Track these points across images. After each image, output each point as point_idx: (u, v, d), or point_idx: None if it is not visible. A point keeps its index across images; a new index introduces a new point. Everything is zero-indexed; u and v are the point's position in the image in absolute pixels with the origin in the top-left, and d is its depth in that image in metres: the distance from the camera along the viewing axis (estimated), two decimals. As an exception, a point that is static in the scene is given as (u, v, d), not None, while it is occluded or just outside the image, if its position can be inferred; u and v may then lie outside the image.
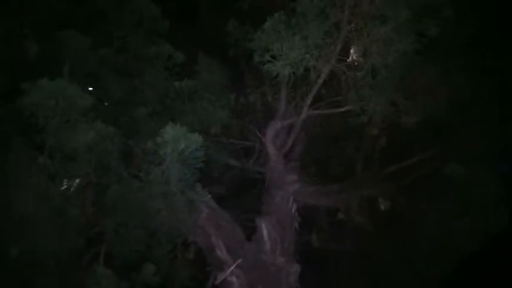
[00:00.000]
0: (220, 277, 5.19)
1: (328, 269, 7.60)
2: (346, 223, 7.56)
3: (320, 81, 5.48)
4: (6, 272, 4.45)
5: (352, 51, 5.20)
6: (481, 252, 6.30)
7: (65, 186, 4.69)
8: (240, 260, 5.27)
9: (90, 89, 5.24)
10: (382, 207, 7.43)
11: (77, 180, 4.74)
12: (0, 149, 4.57)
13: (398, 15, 4.59)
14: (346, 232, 7.54)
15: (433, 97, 5.95)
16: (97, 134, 4.56)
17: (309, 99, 5.71)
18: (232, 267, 5.23)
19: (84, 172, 4.67)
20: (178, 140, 4.89)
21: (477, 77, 6.16)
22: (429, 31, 4.85)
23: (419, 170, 6.78)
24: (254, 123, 6.66)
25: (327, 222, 7.64)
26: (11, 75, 4.83)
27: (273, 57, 5.02)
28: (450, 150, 6.41)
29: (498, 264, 6.88)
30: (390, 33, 4.68)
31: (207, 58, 6.32)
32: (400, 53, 4.74)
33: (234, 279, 5.18)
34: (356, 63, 5.22)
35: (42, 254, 4.39)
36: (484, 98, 6.36)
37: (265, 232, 5.53)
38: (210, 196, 5.74)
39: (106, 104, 5.50)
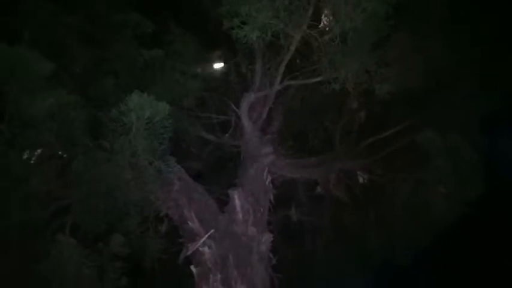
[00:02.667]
0: (192, 248, 5.02)
1: (307, 242, 7.52)
2: (324, 197, 7.46)
3: (292, 48, 5.25)
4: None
5: (323, 15, 4.96)
6: (457, 222, 6.21)
7: (26, 156, 4.45)
8: (212, 231, 5.10)
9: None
10: (360, 180, 7.31)
11: (39, 150, 4.49)
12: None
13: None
14: (324, 205, 7.43)
15: (407, 66, 5.77)
16: (57, 101, 4.30)
17: (281, 68, 5.48)
18: (204, 238, 5.06)
19: (45, 141, 4.42)
20: (143, 108, 4.67)
21: (454, 46, 5.97)
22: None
23: (397, 142, 6.65)
24: (229, 96, 6.42)
25: (306, 196, 7.51)
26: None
27: (243, 22, 4.80)
28: (426, 120, 6.26)
29: (474, 233, 6.80)
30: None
31: (179, 27, 6.05)
32: (368, 15, 4.49)
33: (205, 249, 5.02)
34: (327, 29, 4.99)
35: (3, 225, 4.18)
36: (461, 67, 6.21)
37: (237, 203, 5.36)
38: (182, 169, 5.58)
39: (71, 73, 5.21)
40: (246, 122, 6.11)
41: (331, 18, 4.86)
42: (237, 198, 5.38)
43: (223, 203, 5.69)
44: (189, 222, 5.20)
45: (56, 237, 4.37)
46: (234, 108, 6.25)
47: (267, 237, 5.29)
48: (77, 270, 4.50)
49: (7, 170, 4.31)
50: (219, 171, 6.65)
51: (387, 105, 6.53)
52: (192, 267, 5.05)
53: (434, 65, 5.84)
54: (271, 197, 5.89)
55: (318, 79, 5.74)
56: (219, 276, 4.88)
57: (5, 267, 4.43)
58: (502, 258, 7.35)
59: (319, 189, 7.48)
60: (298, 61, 5.95)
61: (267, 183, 5.85)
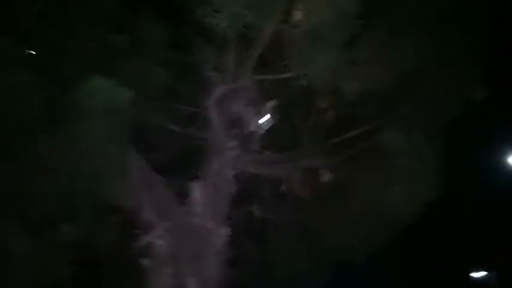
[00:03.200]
0: (146, 239, 4.84)
1: (268, 239, 7.45)
2: (288, 194, 7.40)
3: (263, 41, 5.14)
4: None
5: (295, 10, 4.85)
6: (414, 221, 6.30)
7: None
8: (167, 223, 4.93)
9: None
10: (325, 178, 7.29)
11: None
12: None
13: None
14: (287, 203, 7.37)
15: (376, 67, 5.76)
16: (9, 81, 4.01)
17: (252, 62, 5.36)
18: (159, 230, 4.88)
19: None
20: (103, 93, 4.44)
21: (421, 49, 6.00)
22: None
23: (363, 141, 6.66)
24: (198, 88, 6.22)
25: (270, 194, 7.43)
26: None
27: (215, 11, 4.64)
28: (392, 121, 6.29)
29: (430, 232, 6.91)
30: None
31: (150, 13, 5.78)
32: (338, 12, 4.42)
33: (159, 242, 4.84)
34: (298, 24, 4.89)
35: None
36: (428, 70, 6.26)
37: (197, 196, 5.22)
38: (142, 158, 5.37)
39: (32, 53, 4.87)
40: (213, 115, 5.95)
41: (302, 13, 4.76)
42: (197, 191, 5.23)
43: (185, 195, 5.53)
44: (145, 213, 5.01)
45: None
46: (203, 100, 6.06)
47: (225, 231, 5.17)
48: (20, 259, 4.25)
49: None
50: (183, 164, 6.45)
51: (355, 105, 6.57)
52: (144, 260, 4.86)
53: (402, 66, 5.86)
54: (234, 192, 5.76)
55: (288, 75, 5.67)
56: (171, 269, 4.72)
57: None
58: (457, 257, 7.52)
59: (283, 186, 7.42)
60: (269, 56, 5.82)
61: (230, 177, 5.72)
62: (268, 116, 6.44)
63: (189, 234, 5.02)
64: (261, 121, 6.39)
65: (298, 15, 4.85)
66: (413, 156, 5.78)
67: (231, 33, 4.76)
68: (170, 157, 6.22)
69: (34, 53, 5.09)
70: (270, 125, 6.55)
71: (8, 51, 4.45)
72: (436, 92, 6.38)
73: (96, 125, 4.52)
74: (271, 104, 6.44)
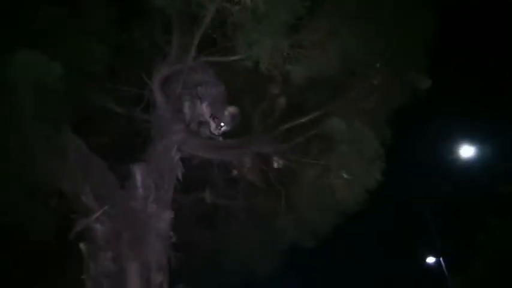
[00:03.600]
0: (83, 223, 4.63)
1: (219, 224, 7.40)
2: (239, 180, 7.36)
3: (207, 20, 5.02)
4: None
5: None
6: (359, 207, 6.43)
7: None
8: (106, 207, 4.73)
9: None
10: (275, 165, 7.30)
11: None
12: None
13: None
14: (238, 189, 7.33)
15: (322, 52, 5.79)
16: None
17: (195, 41, 5.22)
18: (97, 214, 4.68)
19: None
20: (31, 68, 4.17)
21: (369, 37, 6.09)
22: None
23: (311, 128, 6.70)
24: (142, 68, 6.01)
25: (221, 179, 7.36)
26: None
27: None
28: (337, 109, 6.38)
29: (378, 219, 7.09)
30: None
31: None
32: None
33: (98, 226, 4.65)
34: (243, 4, 4.81)
35: None
36: (375, 58, 6.39)
37: (138, 179, 5.05)
38: (80, 140, 5.13)
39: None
40: (158, 97, 5.78)
41: (245, -8, 4.68)
42: (138, 174, 5.06)
43: (127, 179, 5.34)
44: (82, 196, 4.79)
45: None
46: (146, 80, 5.86)
47: (168, 215, 5.04)
48: None
49: None
50: (127, 147, 6.24)
51: (304, 92, 6.61)
52: (81, 245, 4.65)
53: (349, 53, 5.93)
54: (179, 175, 5.63)
55: (235, 57, 5.59)
56: (110, 253, 4.55)
57: None
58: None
59: (234, 172, 7.37)
60: (215, 37, 5.71)
61: (174, 160, 5.57)
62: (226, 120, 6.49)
63: (130, 218, 4.84)
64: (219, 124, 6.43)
65: (241, -6, 4.77)
66: (355, 143, 5.87)
67: (171, 10, 4.60)
68: (113, 140, 5.99)
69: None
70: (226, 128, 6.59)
71: None
72: (381, 80, 6.57)
73: (26, 101, 4.26)
74: (231, 109, 6.45)
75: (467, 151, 13.03)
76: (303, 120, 6.75)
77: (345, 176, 6.04)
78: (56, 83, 4.27)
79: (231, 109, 6.88)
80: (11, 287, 5.06)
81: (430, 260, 19.18)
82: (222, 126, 6.69)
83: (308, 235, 6.81)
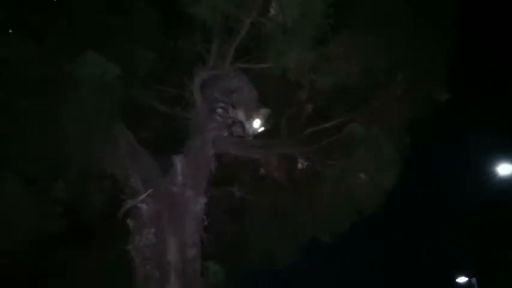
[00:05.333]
0: (130, 203, 5.38)
1: (246, 216, 8.01)
2: (265, 177, 7.96)
3: (243, 32, 5.69)
4: None
5: (271, 4, 5.41)
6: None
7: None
8: (151, 190, 5.47)
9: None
10: (299, 165, 7.86)
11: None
12: None
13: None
14: (265, 185, 7.93)
15: (346, 64, 6.33)
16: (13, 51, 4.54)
17: (231, 50, 5.91)
18: (142, 196, 5.42)
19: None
20: (95, 66, 4.96)
21: (391, 49, 6.58)
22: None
23: (334, 133, 7.23)
24: (184, 71, 6.76)
25: (249, 176, 7.99)
26: None
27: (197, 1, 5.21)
28: (359, 116, 6.89)
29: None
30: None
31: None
32: (310, 10, 4.98)
33: (143, 206, 5.39)
34: (274, 19, 5.45)
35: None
36: (396, 69, 6.87)
37: (178, 168, 5.76)
38: (130, 133, 5.91)
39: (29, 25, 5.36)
40: (197, 98, 6.49)
41: (276, 8, 5.32)
42: (178, 163, 5.77)
43: (168, 167, 6.07)
44: (131, 180, 5.54)
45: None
46: (188, 84, 6.60)
47: (202, 200, 5.71)
48: (18, 212, 4.77)
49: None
50: (169, 140, 6.98)
51: (329, 100, 7.17)
52: (129, 221, 5.40)
53: (371, 65, 6.45)
54: (213, 168, 6.30)
55: (265, 66, 6.23)
56: (153, 229, 5.27)
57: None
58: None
59: (261, 170, 7.98)
60: (249, 47, 6.37)
61: (209, 154, 6.25)
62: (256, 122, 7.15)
63: (170, 200, 5.56)
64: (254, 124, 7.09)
65: (273, 10, 5.42)
66: (373, 149, 6.35)
67: (211, 22, 5.30)
68: (157, 134, 6.75)
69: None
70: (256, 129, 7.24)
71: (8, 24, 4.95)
72: (400, 91, 7.03)
73: (87, 95, 5.05)
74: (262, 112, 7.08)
75: (505, 169, 12.93)
76: (326, 125, 7.32)
77: (362, 177, 6.54)
78: (113, 82, 5.04)
79: (262, 112, 7.53)
80: (70, 254, 5.84)
81: (461, 279, 18.31)
82: (252, 127, 7.35)
83: (326, 232, 7.32)
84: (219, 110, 6.79)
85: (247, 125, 7.24)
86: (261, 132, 7.75)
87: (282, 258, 7.70)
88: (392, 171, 6.45)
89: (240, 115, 7.29)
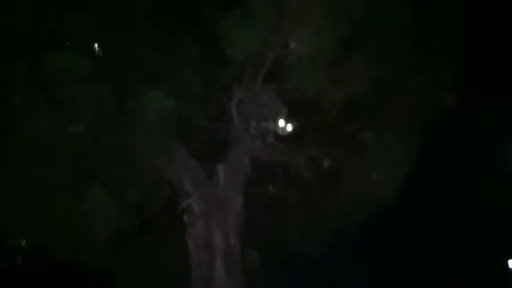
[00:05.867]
0: (185, 203, 6.89)
1: (279, 210, 9.32)
2: (295, 176, 9.21)
3: (268, 62, 6.99)
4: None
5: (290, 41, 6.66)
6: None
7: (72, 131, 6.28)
8: (200, 193, 6.95)
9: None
10: (324, 165, 9.04)
11: (81, 127, 6.31)
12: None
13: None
14: (295, 183, 9.19)
15: (359, 80, 7.41)
16: (97, 94, 6.12)
17: (260, 76, 7.21)
18: (194, 197, 6.92)
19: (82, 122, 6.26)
20: (157, 102, 6.45)
21: (399, 63, 7.58)
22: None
23: (352, 138, 8.35)
24: (223, 92, 8.14)
25: (281, 175, 9.28)
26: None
27: (231, 44, 6.56)
28: (373, 123, 7.96)
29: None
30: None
31: (186, 35, 7.68)
32: (323, 43, 6.16)
33: (195, 205, 6.89)
34: (293, 51, 6.70)
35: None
36: (404, 82, 7.86)
37: (221, 173, 7.18)
38: (183, 147, 7.40)
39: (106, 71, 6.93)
40: (234, 113, 7.86)
41: (294, 44, 6.56)
42: (221, 170, 7.19)
43: (213, 174, 7.53)
44: (185, 185, 7.05)
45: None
46: (227, 102, 7.98)
47: (240, 199, 7.12)
48: (104, 212, 6.39)
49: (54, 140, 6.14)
50: (212, 151, 8.42)
51: (347, 109, 8.28)
52: (185, 217, 6.92)
53: (380, 80, 7.49)
54: (248, 172, 7.66)
55: (289, 86, 7.47)
56: (203, 222, 6.76)
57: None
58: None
59: (291, 170, 9.24)
60: (275, 71, 7.63)
61: (246, 162, 7.61)
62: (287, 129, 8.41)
63: (215, 199, 7.01)
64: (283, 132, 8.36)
65: (292, 45, 6.65)
66: (384, 151, 7.43)
67: (243, 57, 6.63)
68: (203, 146, 8.20)
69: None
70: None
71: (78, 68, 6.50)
72: (409, 99, 8.00)
73: (150, 123, 6.56)
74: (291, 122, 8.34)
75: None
76: (346, 130, 8.45)
77: (376, 174, 7.64)
78: (172, 112, 6.50)
79: (290, 121, 8.77)
80: (141, 244, 7.46)
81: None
82: (281, 134, 8.60)
83: (349, 220, 8.52)
84: (253, 123, 8.11)
85: (277, 133, 8.50)
86: (290, 139, 9.01)
87: (311, 246, 8.98)
88: (402, 170, 7.51)
89: (271, 126, 8.58)
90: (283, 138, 8.90)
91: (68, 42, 6.44)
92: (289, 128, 8.67)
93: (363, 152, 7.96)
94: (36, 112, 6.03)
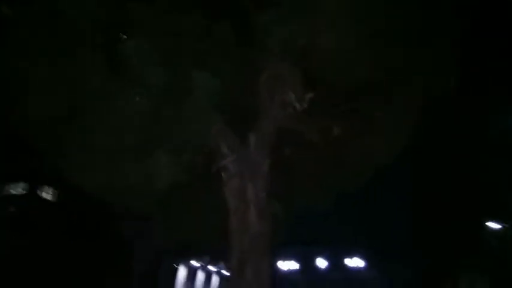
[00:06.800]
0: (222, 162, 8.67)
1: (293, 167, 11.13)
2: (309, 143, 10.92)
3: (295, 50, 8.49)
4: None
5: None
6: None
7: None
8: (235, 155, 8.69)
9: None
10: (334, 133, 10.73)
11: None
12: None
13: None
14: (308, 149, 10.92)
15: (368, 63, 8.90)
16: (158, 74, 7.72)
17: (287, 59, 8.75)
18: (230, 159, 8.67)
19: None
20: (205, 81, 8.03)
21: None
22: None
23: (358, 112, 9.99)
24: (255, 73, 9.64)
25: (297, 142, 10.98)
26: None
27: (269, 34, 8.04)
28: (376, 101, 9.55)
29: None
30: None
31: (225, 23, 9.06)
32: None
33: (229, 164, 8.66)
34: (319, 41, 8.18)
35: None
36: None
37: (252, 140, 8.89)
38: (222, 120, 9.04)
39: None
40: (262, 90, 9.44)
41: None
42: (251, 137, 8.90)
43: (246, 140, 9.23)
44: (222, 149, 8.79)
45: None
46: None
47: (267, 161, 8.87)
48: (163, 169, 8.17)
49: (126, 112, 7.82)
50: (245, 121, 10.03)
51: (356, 88, 9.82)
52: (222, 174, 8.72)
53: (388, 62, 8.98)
54: (274, 139, 9.34)
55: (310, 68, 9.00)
56: (237, 179, 8.56)
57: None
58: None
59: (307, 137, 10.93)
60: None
61: (271, 129, 9.27)
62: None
63: (246, 161, 8.76)
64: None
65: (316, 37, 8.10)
66: (388, 124, 9.07)
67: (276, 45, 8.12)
68: (237, 117, 9.83)
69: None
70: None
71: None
72: (412, 79, 9.51)
73: (199, 99, 8.17)
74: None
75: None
76: (354, 105, 10.05)
77: (378, 142, 9.37)
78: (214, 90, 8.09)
79: (308, 95, 10.30)
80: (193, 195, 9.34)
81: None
82: (300, 107, 10.16)
83: (352, 181, 10.35)
84: (277, 98, 9.69)
85: (297, 106, 10.08)
86: (307, 110, 10.61)
87: (321, 201, 10.89)
88: (401, 141, 9.22)
89: (292, 99, 10.15)
90: (301, 110, 10.55)
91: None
92: (307, 102, 10.24)
93: (368, 124, 9.64)
94: (111, 90, 7.61)
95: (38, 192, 23.39)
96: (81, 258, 22.55)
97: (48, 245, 21.64)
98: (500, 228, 26.41)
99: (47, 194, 23.69)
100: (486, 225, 26.17)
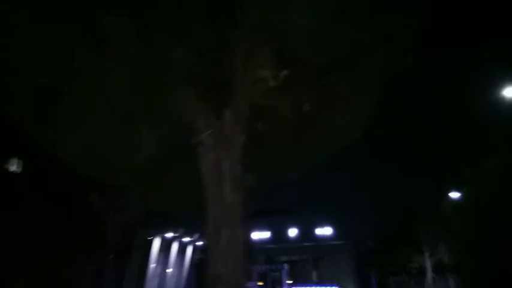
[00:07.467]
0: (199, 138, 9.06)
1: (269, 145, 11.71)
2: (282, 117, 11.47)
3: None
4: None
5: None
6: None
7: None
8: (212, 130, 9.11)
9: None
10: (305, 108, 11.30)
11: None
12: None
13: None
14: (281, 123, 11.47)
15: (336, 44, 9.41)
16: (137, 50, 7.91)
17: (261, 41, 9.08)
18: (206, 133, 9.08)
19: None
20: (180, 58, 8.29)
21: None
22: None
23: (329, 87, 10.56)
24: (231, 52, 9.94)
25: (270, 116, 11.49)
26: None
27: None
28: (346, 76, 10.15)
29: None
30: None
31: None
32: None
33: (207, 139, 9.07)
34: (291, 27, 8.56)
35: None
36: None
37: (227, 116, 9.30)
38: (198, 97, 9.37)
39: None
40: (238, 67, 9.78)
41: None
42: (228, 113, 9.31)
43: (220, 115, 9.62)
44: (199, 125, 9.16)
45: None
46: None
47: (242, 136, 9.34)
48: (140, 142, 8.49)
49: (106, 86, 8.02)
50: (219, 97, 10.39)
51: (327, 65, 10.35)
52: (199, 147, 9.14)
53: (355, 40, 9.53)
54: (248, 113, 9.79)
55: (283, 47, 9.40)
56: (214, 154, 9.01)
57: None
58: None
59: (279, 111, 11.44)
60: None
61: (246, 104, 9.72)
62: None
63: (223, 136, 9.20)
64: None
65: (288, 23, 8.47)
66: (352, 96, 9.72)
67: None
68: (213, 94, 10.17)
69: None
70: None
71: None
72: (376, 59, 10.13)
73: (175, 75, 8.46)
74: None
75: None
76: (324, 81, 10.61)
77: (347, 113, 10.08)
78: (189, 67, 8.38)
79: (281, 72, 10.75)
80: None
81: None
82: (273, 83, 10.62)
83: (326, 149, 11.07)
84: (250, 73, 10.07)
85: (271, 83, 10.52)
86: (279, 86, 11.07)
87: (292, 173, 11.56)
88: (366, 114, 9.91)
89: (265, 74, 10.56)
90: (274, 85, 11.00)
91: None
92: (280, 77, 10.69)
93: (336, 100, 10.26)
94: (90, 64, 7.76)
95: (6, 164, 23.05)
96: (52, 231, 22.64)
97: (16, 218, 21.55)
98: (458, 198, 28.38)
99: (14, 166, 23.37)
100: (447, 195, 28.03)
